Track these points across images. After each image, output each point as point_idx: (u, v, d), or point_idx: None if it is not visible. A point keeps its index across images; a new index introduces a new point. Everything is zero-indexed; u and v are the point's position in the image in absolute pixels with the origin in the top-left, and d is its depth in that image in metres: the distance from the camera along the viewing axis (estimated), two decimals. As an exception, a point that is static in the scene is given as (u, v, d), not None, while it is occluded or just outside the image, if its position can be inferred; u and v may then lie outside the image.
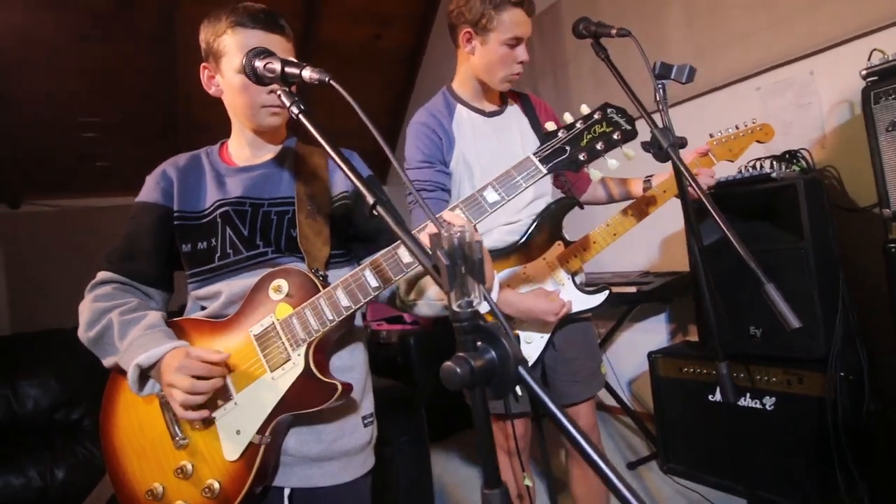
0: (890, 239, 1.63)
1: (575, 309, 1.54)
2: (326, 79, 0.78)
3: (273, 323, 1.01)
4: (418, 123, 1.58)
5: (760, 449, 2.00)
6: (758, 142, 1.61)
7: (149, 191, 1.14)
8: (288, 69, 0.86)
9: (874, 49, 1.72)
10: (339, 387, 0.97)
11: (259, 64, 0.91)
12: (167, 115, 3.68)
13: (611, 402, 3.01)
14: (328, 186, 1.14)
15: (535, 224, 1.58)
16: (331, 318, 0.99)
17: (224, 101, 1.16)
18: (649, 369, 2.42)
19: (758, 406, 2.02)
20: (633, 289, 2.45)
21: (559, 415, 0.52)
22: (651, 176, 1.65)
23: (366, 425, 1.12)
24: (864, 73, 1.65)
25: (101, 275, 1.12)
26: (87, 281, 1.14)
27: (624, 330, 3.05)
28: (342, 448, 1.06)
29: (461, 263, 0.52)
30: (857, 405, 1.79)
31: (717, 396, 2.16)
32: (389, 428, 1.65)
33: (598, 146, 1.03)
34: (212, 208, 1.12)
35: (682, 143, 1.33)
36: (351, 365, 1.12)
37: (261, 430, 0.97)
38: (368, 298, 0.99)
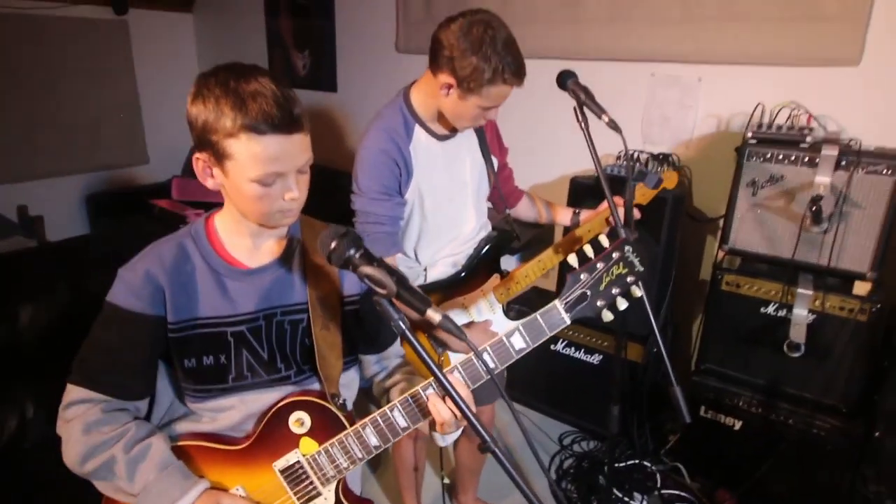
0: (720, 266, 2.33)
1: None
2: (464, 339, 0.88)
3: (299, 460, 1.16)
4: (377, 150, 1.60)
5: (584, 390, 2.83)
6: (664, 188, 2.04)
7: (130, 296, 1.07)
8: (409, 298, 0.90)
9: (759, 103, 2.23)
10: (369, 516, 1.22)
11: (364, 270, 0.92)
12: None
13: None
14: (338, 286, 1.21)
15: (476, 260, 1.83)
16: (360, 456, 1.18)
17: (222, 192, 1.08)
18: (504, 314, 3.02)
19: (588, 360, 2.80)
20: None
21: None
22: (580, 210, 1.98)
23: None
24: (749, 134, 2.16)
25: (79, 392, 1.07)
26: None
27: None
28: None
29: None
30: (655, 373, 2.67)
31: (559, 347, 2.88)
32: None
33: (614, 291, 1.19)
34: (216, 321, 1.11)
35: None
36: None
37: (296, 567, 1.18)
38: (398, 438, 1.20)
